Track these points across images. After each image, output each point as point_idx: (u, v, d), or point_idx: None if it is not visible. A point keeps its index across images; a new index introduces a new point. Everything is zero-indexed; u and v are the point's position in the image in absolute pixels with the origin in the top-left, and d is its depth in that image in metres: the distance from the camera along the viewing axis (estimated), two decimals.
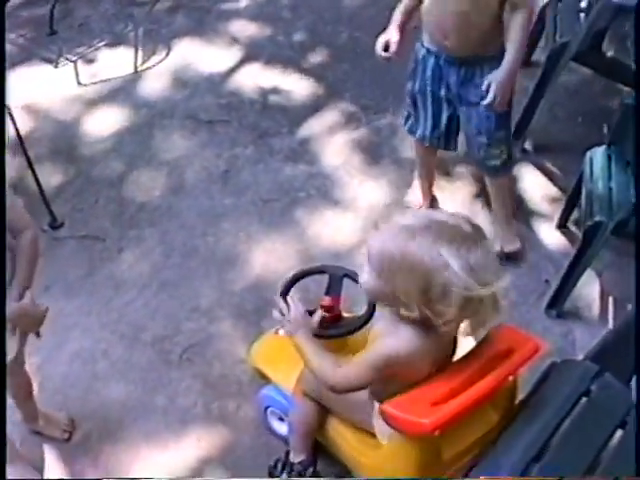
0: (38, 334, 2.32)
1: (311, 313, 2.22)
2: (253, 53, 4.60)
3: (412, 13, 2.99)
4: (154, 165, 3.87)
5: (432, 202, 3.52)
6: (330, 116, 4.12)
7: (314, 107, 4.18)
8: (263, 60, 4.54)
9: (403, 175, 3.71)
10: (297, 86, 4.34)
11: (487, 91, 2.85)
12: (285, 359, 2.41)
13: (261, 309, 3.09)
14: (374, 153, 3.89)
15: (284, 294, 2.22)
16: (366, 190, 3.68)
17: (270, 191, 3.69)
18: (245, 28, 4.85)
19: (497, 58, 2.86)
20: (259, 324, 3.02)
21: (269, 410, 2.61)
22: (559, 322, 3.03)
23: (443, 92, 3.05)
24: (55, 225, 3.54)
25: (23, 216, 2.21)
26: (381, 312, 2.12)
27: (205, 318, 3.12)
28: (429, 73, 3.04)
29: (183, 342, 3.03)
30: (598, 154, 3.10)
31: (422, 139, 3.25)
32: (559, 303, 3.05)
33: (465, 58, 2.92)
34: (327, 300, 2.25)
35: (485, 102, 2.86)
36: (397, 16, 2.98)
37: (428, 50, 3.01)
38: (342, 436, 2.35)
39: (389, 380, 2.02)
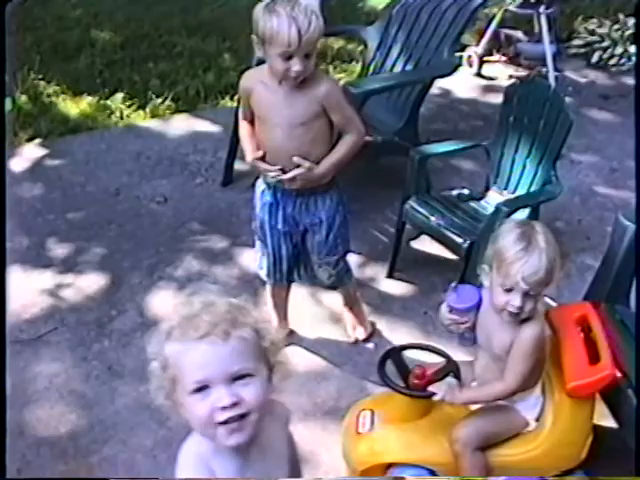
0: None
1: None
2: None
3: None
4: None
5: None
6: None
7: None
8: None
9: None
10: None
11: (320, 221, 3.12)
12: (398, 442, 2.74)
13: None
14: None
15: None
16: None
17: None
18: None
19: (330, 186, 3.08)
20: None
21: None
22: None
23: (280, 225, 3.16)
24: None
25: None
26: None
27: None
28: (267, 207, 3.16)
29: None
30: (413, 202, 3.76)
31: (267, 276, 3.36)
32: None
33: (300, 190, 3.05)
34: (419, 369, 2.64)
35: (285, 177, 2.97)
36: (248, 145, 3.09)
37: (268, 185, 3.12)
38: (503, 458, 2.68)
39: (539, 364, 2.56)
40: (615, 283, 2.94)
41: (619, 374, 2.54)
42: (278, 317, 3.49)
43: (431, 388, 2.65)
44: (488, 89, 5.97)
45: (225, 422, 1.58)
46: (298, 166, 2.95)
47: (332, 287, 3.48)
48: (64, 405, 3.19)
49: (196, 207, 4.45)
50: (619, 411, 2.64)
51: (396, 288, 3.90)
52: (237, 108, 3.58)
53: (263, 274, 3.38)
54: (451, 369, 2.67)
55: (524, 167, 3.77)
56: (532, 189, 3.70)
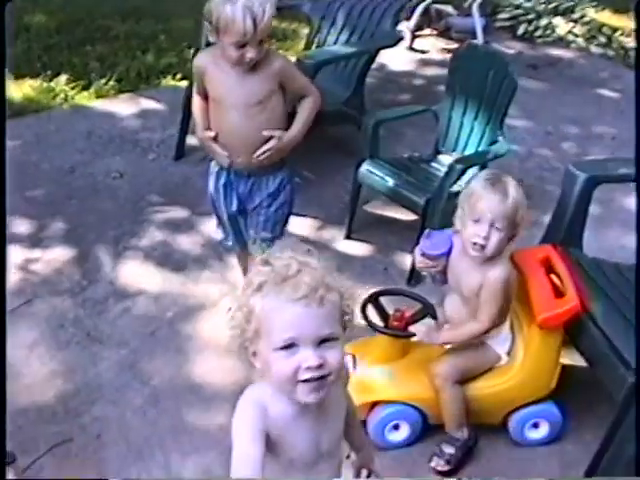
0: None
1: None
2: None
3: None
4: None
5: None
6: None
7: None
8: None
9: None
10: None
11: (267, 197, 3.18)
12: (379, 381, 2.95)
13: None
14: None
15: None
16: None
17: None
18: None
19: (280, 166, 3.15)
20: None
21: (387, 427, 2.92)
22: None
23: (235, 205, 3.24)
24: None
25: None
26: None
27: None
28: (222, 188, 3.22)
29: None
30: (368, 166, 3.93)
31: (229, 243, 3.45)
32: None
33: (253, 170, 3.12)
34: (398, 312, 2.89)
35: (259, 152, 3.03)
36: (201, 120, 3.15)
37: (221, 167, 3.19)
38: (480, 391, 2.88)
39: (507, 302, 2.78)
40: (569, 228, 3.17)
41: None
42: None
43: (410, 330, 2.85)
44: (421, 62, 6.22)
45: (306, 380, 1.62)
46: (262, 143, 3.02)
47: None
48: (48, 371, 3.26)
49: (152, 181, 4.54)
50: (582, 344, 2.86)
51: (355, 248, 4.08)
52: (181, 87, 3.61)
53: (225, 242, 3.48)
54: (428, 311, 2.87)
55: (472, 129, 3.98)
56: (480, 149, 3.92)
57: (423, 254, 2.84)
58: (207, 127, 3.13)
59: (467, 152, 3.97)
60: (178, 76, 5.63)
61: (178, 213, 4.28)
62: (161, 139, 4.94)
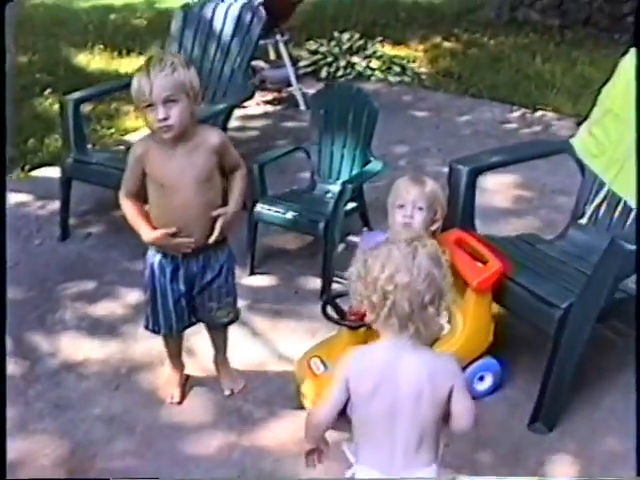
0: None
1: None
2: None
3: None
4: None
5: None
6: None
7: None
8: None
9: None
10: None
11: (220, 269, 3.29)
12: None
13: None
14: None
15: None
16: None
17: None
18: None
19: (224, 239, 3.27)
20: None
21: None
22: None
23: (183, 286, 3.28)
24: None
25: None
26: None
27: None
28: (169, 274, 3.25)
29: None
30: (262, 204, 4.41)
31: (164, 329, 3.42)
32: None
33: (203, 248, 3.22)
34: (353, 309, 3.24)
35: (215, 233, 3.16)
36: (142, 224, 3.18)
37: (164, 254, 3.23)
38: None
39: None
40: (462, 215, 3.76)
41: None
42: (177, 363, 3.65)
43: None
44: (246, 117, 6.72)
45: None
46: (211, 220, 3.14)
47: (228, 324, 3.56)
48: (33, 444, 3.39)
49: (48, 263, 4.72)
50: (508, 302, 3.44)
51: (262, 281, 4.48)
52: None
53: (156, 329, 3.44)
54: None
55: (342, 156, 4.55)
56: (355, 172, 4.47)
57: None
58: (152, 227, 3.17)
59: (343, 177, 4.50)
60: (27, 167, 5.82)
61: (87, 285, 4.49)
62: (38, 226, 5.12)
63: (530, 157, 4.15)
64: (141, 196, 3.19)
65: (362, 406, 2.25)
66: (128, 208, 3.20)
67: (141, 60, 7.82)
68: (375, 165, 4.40)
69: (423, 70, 7.68)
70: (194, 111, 3.03)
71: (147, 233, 3.17)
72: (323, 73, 7.31)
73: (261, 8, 5.09)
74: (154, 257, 3.27)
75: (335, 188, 4.42)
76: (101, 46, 8.33)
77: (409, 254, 2.14)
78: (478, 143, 5.85)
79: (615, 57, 4.17)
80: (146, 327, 3.46)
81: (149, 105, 2.92)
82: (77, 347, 3.98)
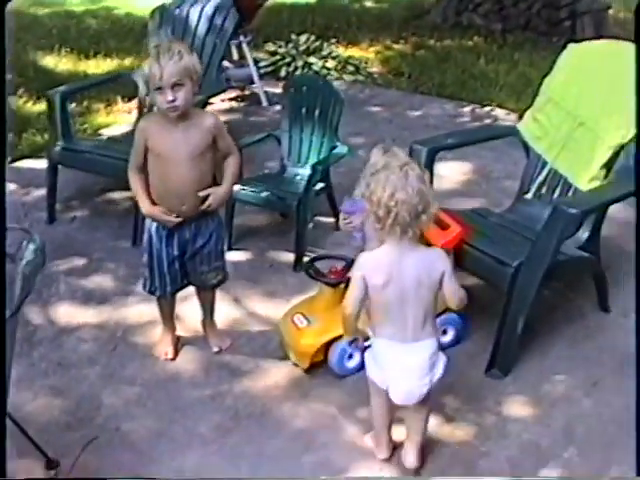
0: None
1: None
2: None
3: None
4: None
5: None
6: None
7: None
8: None
9: None
10: None
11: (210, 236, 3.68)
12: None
13: None
14: None
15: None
16: None
17: None
18: None
19: (216, 211, 3.66)
20: None
21: (344, 357, 3.73)
22: None
23: (176, 251, 3.67)
24: None
25: None
26: None
27: None
28: (165, 239, 3.64)
29: None
30: (240, 185, 4.74)
31: (158, 291, 3.82)
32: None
33: (195, 216, 3.60)
34: (333, 268, 3.80)
35: (204, 206, 3.55)
36: (144, 198, 3.58)
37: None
38: None
39: None
40: None
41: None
42: (170, 324, 4.00)
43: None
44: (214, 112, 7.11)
45: None
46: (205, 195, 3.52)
47: (217, 285, 3.94)
48: (41, 398, 3.74)
49: None
50: (468, 264, 3.85)
51: (239, 256, 4.87)
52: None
53: (152, 290, 3.83)
54: (352, 264, 3.73)
55: (311, 142, 4.98)
56: (322, 156, 4.91)
57: (345, 213, 3.71)
58: (152, 202, 3.56)
59: (311, 161, 4.94)
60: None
61: (78, 262, 4.84)
62: (25, 210, 5.45)
63: (482, 139, 4.67)
64: (146, 171, 3.57)
65: (378, 295, 2.92)
66: (134, 182, 3.60)
67: (108, 62, 8.28)
68: (341, 149, 4.85)
69: (375, 70, 8.19)
70: (196, 92, 3.45)
71: (146, 207, 3.59)
72: (282, 72, 7.73)
73: (234, 9, 5.50)
74: (152, 224, 3.66)
75: (304, 171, 4.88)
76: (67, 49, 8.65)
77: (403, 176, 2.77)
78: (430, 135, 6.30)
79: (553, 58, 4.70)
80: (144, 288, 3.86)
81: (159, 88, 3.31)
82: (73, 315, 4.35)
